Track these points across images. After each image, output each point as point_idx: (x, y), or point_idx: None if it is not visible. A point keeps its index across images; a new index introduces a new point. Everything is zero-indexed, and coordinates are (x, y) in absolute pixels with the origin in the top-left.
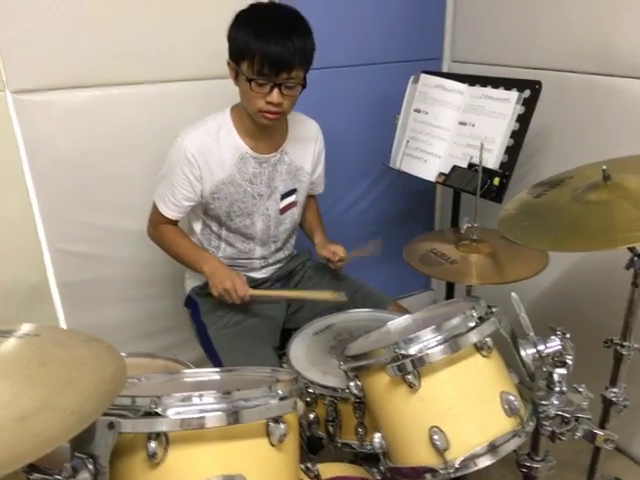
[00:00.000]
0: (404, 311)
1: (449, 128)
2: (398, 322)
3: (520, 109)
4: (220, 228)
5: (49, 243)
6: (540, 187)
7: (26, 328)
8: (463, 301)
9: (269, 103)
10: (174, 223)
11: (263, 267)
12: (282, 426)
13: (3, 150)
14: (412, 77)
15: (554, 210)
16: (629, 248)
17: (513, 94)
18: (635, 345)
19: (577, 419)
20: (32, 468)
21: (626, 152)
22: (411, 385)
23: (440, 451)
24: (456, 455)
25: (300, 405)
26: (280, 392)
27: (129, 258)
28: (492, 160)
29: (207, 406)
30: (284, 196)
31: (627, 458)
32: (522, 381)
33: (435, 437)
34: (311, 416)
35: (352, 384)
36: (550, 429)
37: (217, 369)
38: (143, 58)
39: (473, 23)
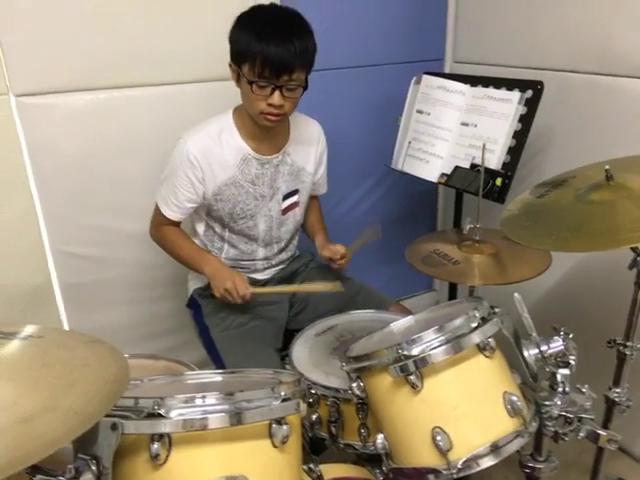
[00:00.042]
0: (407, 312)
1: (451, 129)
2: (401, 323)
3: (522, 109)
4: (223, 230)
5: (52, 245)
6: (542, 187)
7: (29, 330)
8: (466, 302)
9: (270, 105)
10: (176, 224)
11: (266, 268)
12: (285, 427)
13: (7, 153)
14: (414, 78)
15: (557, 210)
16: (632, 248)
17: (515, 94)
18: (638, 345)
19: (580, 419)
20: (35, 469)
21: (629, 152)
22: (414, 386)
23: (443, 452)
24: (459, 456)
25: (303, 406)
26: (283, 393)
27: (132, 260)
28: (494, 160)
29: (210, 407)
30: (286, 197)
31: (630, 458)
32: (525, 381)
33: (438, 438)
34: (314, 417)
35: (354, 385)
36: (553, 429)
37: (220, 370)
38: (145, 60)
39: (475, 24)
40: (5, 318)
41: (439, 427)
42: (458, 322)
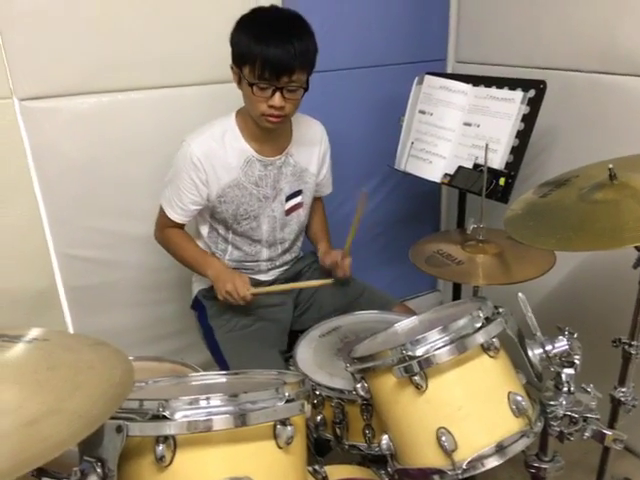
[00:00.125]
0: (411, 312)
1: (454, 129)
2: (405, 323)
3: (525, 109)
4: (227, 231)
5: (57, 248)
6: (546, 187)
7: (34, 333)
8: (470, 302)
9: (271, 107)
10: (181, 227)
11: (270, 269)
12: (289, 428)
13: (11, 157)
14: (416, 78)
15: (560, 210)
16: (636, 247)
17: (518, 94)
18: None
19: (585, 419)
20: (41, 472)
21: (632, 151)
22: (418, 386)
23: (448, 452)
24: (464, 456)
25: (307, 407)
26: (287, 394)
27: (136, 263)
28: (497, 160)
29: (214, 409)
30: (289, 198)
31: (637, 458)
32: (530, 381)
33: (443, 438)
34: (318, 418)
35: (359, 386)
36: (558, 429)
37: (224, 372)
38: (148, 63)
39: (477, 24)
40: (10, 321)
41: (444, 427)
42: (462, 322)
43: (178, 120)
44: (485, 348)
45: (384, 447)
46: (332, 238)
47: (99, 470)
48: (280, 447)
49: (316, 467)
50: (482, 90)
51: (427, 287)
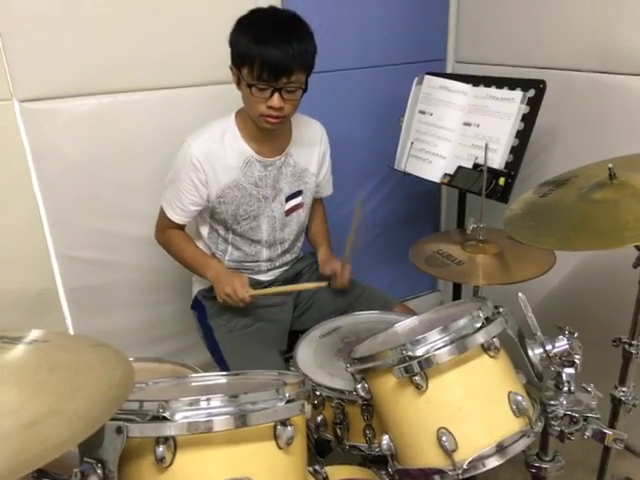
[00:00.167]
0: (411, 313)
1: (454, 129)
2: (405, 324)
3: (525, 109)
4: (227, 232)
5: (57, 250)
6: (546, 186)
7: (34, 334)
8: (470, 302)
9: (270, 107)
10: (181, 228)
11: (270, 270)
12: (289, 429)
13: (11, 158)
14: (416, 79)
15: (560, 209)
16: (636, 246)
17: (517, 94)
18: None
19: (586, 419)
20: (41, 473)
21: (632, 150)
22: (418, 387)
23: (448, 452)
24: (464, 456)
25: (307, 408)
26: (287, 395)
27: (137, 264)
28: (497, 160)
29: (214, 410)
30: (289, 198)
31: (637, 457)
32: (530, 381)
33: (443, 438)
34: (319, 419)
35: (359, 386)
36: (559, 429)
37: (224, 373)
38: (148, 65)
39: (476, 23)
40: (10, 323)
41: (444, 428)
42: (462, 322)
43: (178, 121)
44: (485, 348)
45: (385, 447)
46: (332, 239)
47: (99, 471)
48: (280, 448)
49: (317, 467)
50: (482, 90)
51: (427, 287)
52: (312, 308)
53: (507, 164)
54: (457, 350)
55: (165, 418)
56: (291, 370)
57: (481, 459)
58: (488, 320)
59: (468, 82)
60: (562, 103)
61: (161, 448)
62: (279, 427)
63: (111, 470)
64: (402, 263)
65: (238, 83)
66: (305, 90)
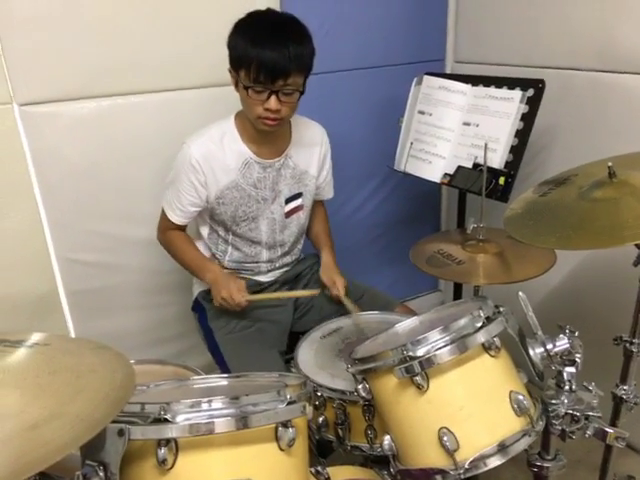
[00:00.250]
0: (412, 313)
1: (453, 129)
2: (405, 324)
3: (524, 108)
4: (227, 233)
5: (58, 253)
6: (545, 185)
7: (36, 337)
8: (470, 301)
9: (267, 110)
10: (182, 229)
11: (270, 270)
12: (291, 430)
13: (11, 162)
14: (415, 79)
15: (560, 208)
16: (636, 245)
17: (517, 93)
18: None
19: (587, 417)
20: (43, 476)
21: (632, 149)
22: (419, 387)
23: (450, 452)
24: (466, 456)
25: (309, 409)
26: (288, 396)
27: (137, 266)
28: (497, 160)
29: (216, 412)
30: (289, 200)
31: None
32: (531, 380)
33: (445, 438)
34: (320, 420)
35: (360, 387)
36: (560, 428)
37: (225, 375)
38: (148, 67)
39: (475, 23)
40: (11, 326)
41: (445, 427)
42: (463, 322)
43: (178, 123)
44: (486, 347)
45: (386, 448)
46: (332, 239)
47: (101, 474)
48: (282, 449)
49: (319, 468)
50: (481, 90)
51: (428, 287)
52: (313, 310)
53: (507, 163)
54: (458, 350)
55: (167, 420)
56: (292, 371)
57: (483, 459)
58: (489, 319)
59: (467, 82)
60: (561, 102)
61: (163, 450)
62: (280, 429)
63: (113, 473)
64: (403, 263)
65: (236, 85)
66: (302, 92)
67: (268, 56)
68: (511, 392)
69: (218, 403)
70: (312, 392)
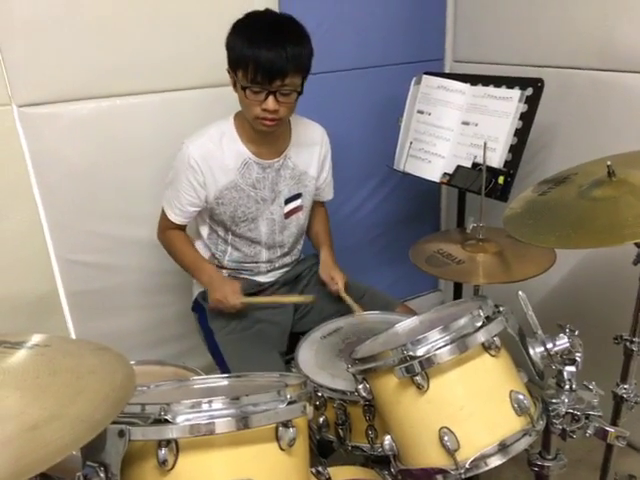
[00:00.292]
0: (412, 313)
1: (452, 128)
2: (405, 324)
3: (523, 107)
4: (226, 233)
5: (57, 254)
6: (545, 184)
7: (36, 339)
8: (470, 301)
9: (265, 110)
10: (181, 228)
11: (269, 271)
12: (291, 430)
13: (10, 163)
14: (414, 78)
15: (560, 207)
16: (636, 244)
17: (515, 92)
18: None
19: (588, 417)
20: (44, 477)
21: (631, 147)
22: (420, 386)
23: (450, 452)
24: (467, 455)
25: (309, 409)
26: (289, 396)
27: (137, 267)
28: (496, 159)
29: (216, 412)
30: (288, 200)
31: None
32: (531, 380)
33: (445, 438)
34: (321, 420)
35: (361, 387)
36: (561, 427)
37: (226, 375)
38: (147, 68)
39: (474, 23)
40: (12, 327)
41: (446, 427)
42: (463, 322)
43: (177, 124)
44: (486, 347)
45: (387, 448)
46: (332, 238)
47: (102, 475)
48: (282, 449)
49: (319, 468)
50: (480, 89)
51: (428, 287)
52: (313, 310)
53: (506, 163)
54: (458, 349)
55: (167, 421)
56: (292, 372)
57: (483, 458)
58: (489, 319)
59: (466, 81)
60: (561, 101)
61: (163, 451)
62: (281, 429)
63: (114, 473)
64: (403, 263)
65: (235, 86)
66: (300, 93)
67: (265, 56)
68: (511, 391)
69: (218, 403)
70: (313, 392)
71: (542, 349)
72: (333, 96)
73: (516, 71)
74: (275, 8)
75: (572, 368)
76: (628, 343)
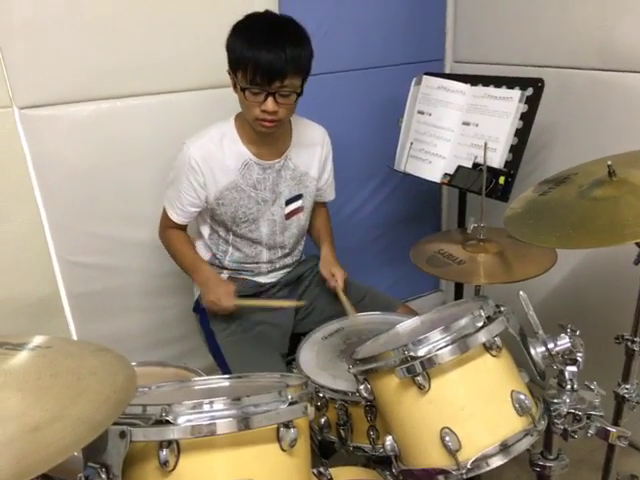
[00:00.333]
0: (413, 313)
1: (453, 129)
2: (406, 324)
3: (523, 107)
4: (227, 233)
5: (59, 255)
6: (545, 184)
7: (37, 340)
8: (471, 301)
9: (264, 111)
10: (182, 228)
11: (270, 272)
12: (292, 431)
13: (12, 165)
14: (414, 79)
15: (560, 207)
16: (637, 243)
17: (516, 92)
18: None
19: (589, 416)
20: (45, 479)
21: (631, 147)
22: (421, 387)
23: (452, 452)
24: (468, 456)
25: (310, 410)
26: (290, 397)
27: (139, 268)
28: (497, 159)
29: (217, 413)
30: (289, 201)
31: None
32: (533, 380)
33: (446, 438)
34: (322, 420)
35: (362, 387)
36: (562, 427)
37: (227, 376)
38: (147, 69)
39: (474, 23)
40: (13, 329)
41: (447, 427)
42: (464, 322)
43: (177, 125)
44: (487, 347)
45: (388, 448)
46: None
47: (103, 476)
48: (284, 450)
49: (321, 469)
50: (480, 89)
51: (430, 287)
52: (314, 312)
53: (507, 163)
54: (459, 350)
55: (168, 422)
56: (294, 372)
57: (485, 458)
58: (490, 319)
59: (466, 82)
60: (562, 101)
61: (164, 452)
62: (282, 429)
63: (115, 474)
64: (404, 264)
65: (235, 87)
66: (300, 94)
67: (264, 58)
68: (513, 392)
69: (220, 404)
70: (314, 393)
71: (543, 349)
72: (333, 97)
73: (516, 71)
74: (275, 9)
75: (573, 368)
76: (629, 343)
